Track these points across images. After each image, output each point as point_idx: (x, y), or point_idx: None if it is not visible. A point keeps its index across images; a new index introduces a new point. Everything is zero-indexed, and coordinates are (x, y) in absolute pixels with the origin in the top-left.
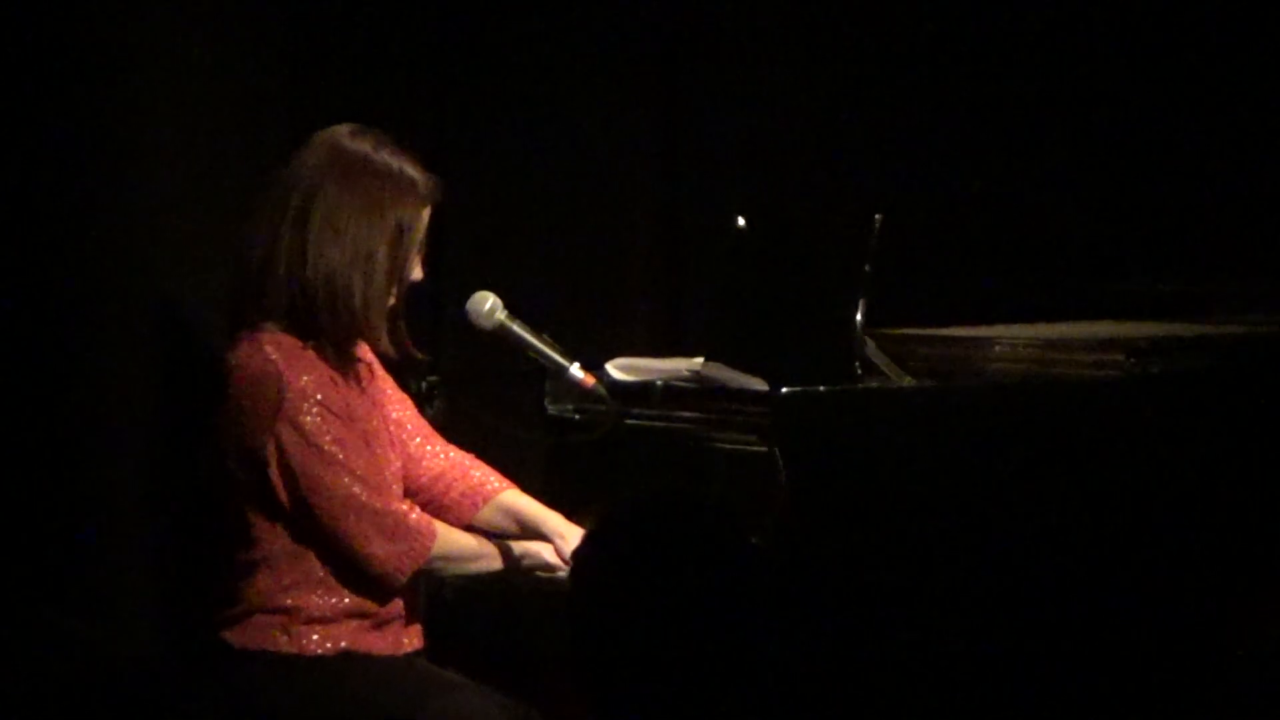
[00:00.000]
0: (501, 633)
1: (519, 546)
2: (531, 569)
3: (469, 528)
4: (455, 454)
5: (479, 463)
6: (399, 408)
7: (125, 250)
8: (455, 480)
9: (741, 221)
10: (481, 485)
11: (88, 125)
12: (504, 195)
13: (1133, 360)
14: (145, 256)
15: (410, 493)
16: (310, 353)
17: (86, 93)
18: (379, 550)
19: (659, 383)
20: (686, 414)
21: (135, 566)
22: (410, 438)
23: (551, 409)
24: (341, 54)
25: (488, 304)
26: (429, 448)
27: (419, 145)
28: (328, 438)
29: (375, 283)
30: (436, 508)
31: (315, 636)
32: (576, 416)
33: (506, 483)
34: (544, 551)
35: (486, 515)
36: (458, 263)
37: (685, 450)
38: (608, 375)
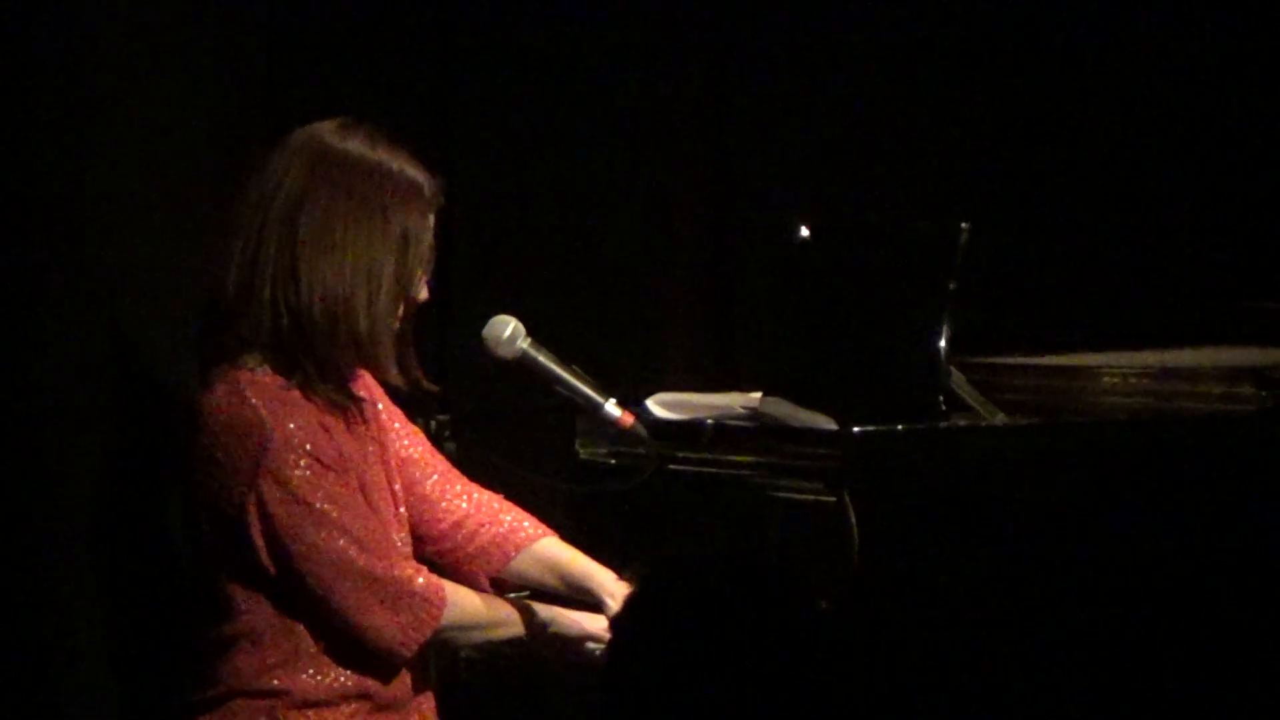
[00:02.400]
0: (527, 713)
1: (545, 610)
2: (563, 636)
3: (498, 582)
4: (481, 495)
5: (510, 505)
6: (411, 443)
7: (73, 271)
8: (481, 526)
9: (804, 231)
10: (514, 532)
11: (30, 120)
12: (521, 199)
13: (1265, 393)
14: (97, 278)
15: (427, 540)
16: (296, 393)
17: (29, 81)
18: (380, 621)
19: (709, 422)
20: (741, 458)
21: (90, 643)
22: (425, 476)
23: (583, 453)
24: (325, 33)
25: (508, 330)
26: (449, 488)
27: (416, 139)
28: (319, 494)
29: (380, 302)
30: (460, 557)
31: None
32: (612, 461)
33: (544, 529)
34: (581, 616)
35: (520, 566)
36: (467, 281)
37: (740, 501)
38: (649, 413)
